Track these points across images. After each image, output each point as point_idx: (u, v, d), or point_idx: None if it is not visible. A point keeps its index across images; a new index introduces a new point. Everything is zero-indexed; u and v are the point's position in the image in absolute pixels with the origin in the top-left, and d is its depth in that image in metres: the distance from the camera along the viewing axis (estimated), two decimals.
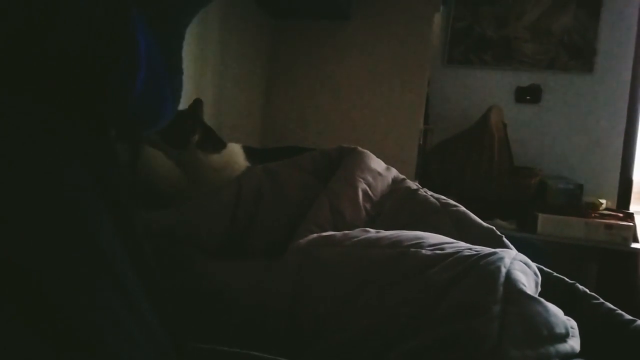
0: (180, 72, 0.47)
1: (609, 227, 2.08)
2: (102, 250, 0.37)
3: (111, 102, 0.41)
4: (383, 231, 0.72)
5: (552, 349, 0.45)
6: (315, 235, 0.75)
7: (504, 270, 0.51)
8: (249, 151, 1.30)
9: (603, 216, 2.19)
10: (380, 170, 1.07)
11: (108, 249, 0.38)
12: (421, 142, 2.06)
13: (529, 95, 2.72)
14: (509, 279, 0.50)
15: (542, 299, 0.49)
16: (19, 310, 0.30)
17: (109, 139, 0.44)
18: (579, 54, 2.68)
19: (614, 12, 2.64)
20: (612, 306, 0.77)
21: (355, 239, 0.68)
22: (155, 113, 0.45)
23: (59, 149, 0.37)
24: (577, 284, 0.82)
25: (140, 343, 0.37)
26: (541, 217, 2.12)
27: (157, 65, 0.42)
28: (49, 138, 0.37)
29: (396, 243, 0.64)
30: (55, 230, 0.34)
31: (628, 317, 0.75)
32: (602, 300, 0.79)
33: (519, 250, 0.80)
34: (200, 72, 1.49)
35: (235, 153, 1.27)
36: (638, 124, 2.65)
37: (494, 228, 0.91)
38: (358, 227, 0.84)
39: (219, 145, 1.23)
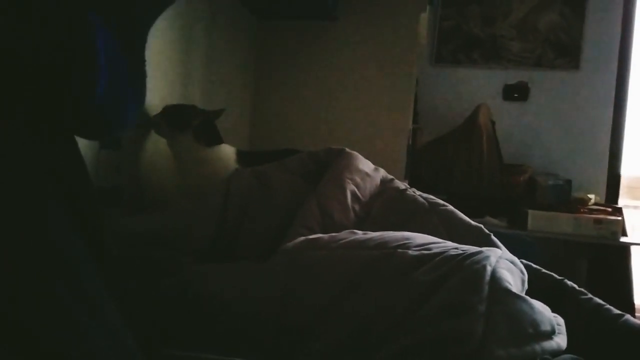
0: (143, 75, 0.47)
1: (598, 222, 2.09)
2: (64, 258, 0.37)
3: (73, 106, 0.40)
4: (370, 232, 0.72)
5: (537, 347, 0.45)
6: (302, 238, 0.75)
7: (489, 269, 0.51)
8: (241, 155, 1.31)
9: (592, 211, 2.20)
10: (368, 171, 1.07)
11: (71, 257, 0.37)
12: (410, 142, 2.06)
13: (516, 93, 2.74)
14: (495, 277, 0.50)
15: (527, 297, 0.49)
16: None
17: (74, 145, 0.44)
18: (565, 52, 2.70)
19: (599, 9, 2.67)
20: (600, 301, 0.78)
21: (342, 241, 0.68)
22: (119, 115, 0.45)
23: (20, 159, 0.37)
24: (566, 280, 0.83)
25: (104, 351, 0.36)
26: (531, 213, 2.13)
27: (119, 68, 0.42)
28: (10, 148, 0.36)
29: (383, 244, 0.64)
30: (17, 240, 0.34)
31: (616, 311, 0.75)
32: (590, 295, 0.80)
33: (508, 247, 0.81)
34: (186, 75, 1.49)
35: (227, 154, 1.28)
36: (625, 119, 2.68)
37: (482, 226, 0.92)
38: (347, 228, 0.84)
39: (214, 140, 1.24)
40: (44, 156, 0.39)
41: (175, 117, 1.19)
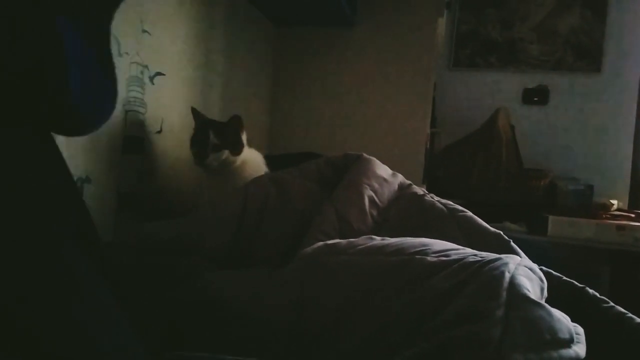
0: (112, 66, 0.47)
1: (621, 228, 2.05)
2: (67, 264, 0.38)
3: (47, 105, 0.41)
4: (388, 238, 0.72)
5: (555, 354, 0.45)
6: (320, 243, 0.75)
7: (507, 275, 0.51)
8: (267, 159, 1.34)
9: (614, 217, 2.16)
10: (386, 176, 1.08)
11: (72, 262, 0.38)
12: (428, 147, 2.05)
13: (536, 96, 2.71)
14: (513, 284, 0.50)
15: (545, 304, 0.49)
16: None
17: (53, 144, 0.44)
18: (586, 54, 2.66)
19: (620, 10, 2.63)
20: (622, 310, 0.76)
21: (360, 247, 0.68)
22: (95, 107, 0.46)
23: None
24: (587, 288, 0.81)
25: (108, 353, 0.37)
26: (551, 219, 2.10)
27: (88, 62, 0.43)
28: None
29: (401, 250, 0.64)
30: (22, 244, 0.35)
31: (639, 320, 0.74)
32: (612, 303, 0.78)
33: (528, 253, 0.80)
34: (206, 80, 1.51)
35: (257, 159, 1.32)
36: None
37: (501, 232, 0.91)
38: (364, 233, 0.84)
39: (240, 147, 1.26)
40: (27, 161, 0.40)
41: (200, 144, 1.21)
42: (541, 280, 0.56)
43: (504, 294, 0.48)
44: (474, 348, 0.44)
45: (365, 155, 1.10)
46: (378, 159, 1.11)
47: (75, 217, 0.44)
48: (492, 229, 0.92)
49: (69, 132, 0.51)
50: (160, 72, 1.24)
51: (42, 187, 0.41)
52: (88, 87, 0.43)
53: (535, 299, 0.49)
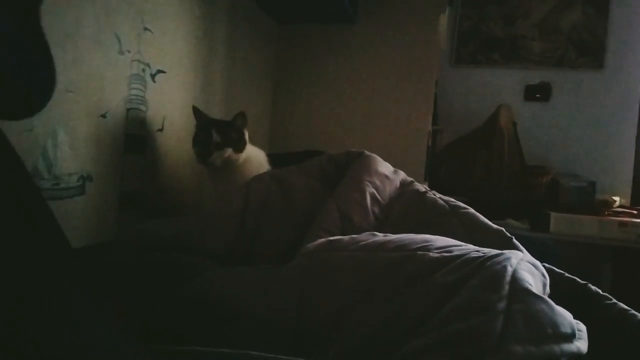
0: (45, 45, 0.47)
1: (623, 224, 2.05)
2: (67, 264, 0.37)
3: None
4: (390, 235, 0.72)
5: (556, 348, 0.45)
6: (323, 240, 0.75)
7: (510, 269, 0.51)
8: (270, 157, 1.35)
9: (617, 214, 2.16)
10: (387, 173, 1.07)
11: (71, 262, 0.38)
12: (430, 144, 2.05)
13: (538, 93, 2.70)
14: (515, 278, 0.50)
15: (548, 299, 0.49)
16: None
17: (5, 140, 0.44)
18: (588, 51, 2.65)
19: (623, 7, 2.62)
20: (625, 306, 0.76)
21: (362, 243, 0.68)
22: (31, 90, 0.45)
23: None
24: (590, 285, 0.81)
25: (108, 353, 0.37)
26: (554, 216, 2.10)
27: (17, 43, 0.42)
28: None
29: (403, 246, 0.64)
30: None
31: None
32: (615, 300, 0.78)
33: (530, 250, 0.80)
34: (207, 78, 1.51)
35: (259, 158, 1.33)
36: None
37: (504, 229, 0.91)
38: (366, 230, 0.84)
39: (243, 145, 1.27)
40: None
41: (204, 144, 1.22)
42: (543, 276, 0.56)
43: (506, 287, 0.48)
44: (474, 341, 0.44)
45: (366, 152, 1.10)
46: (380, 156, 1.11)
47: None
48: (494, 225, 0.92)
49: (10, 116, 0.50)
50: (162, 69, 1.24)
51: (33, 187, 0.40)
52: (20, 68, 0.42)
53: (537, 293, 0.49)
